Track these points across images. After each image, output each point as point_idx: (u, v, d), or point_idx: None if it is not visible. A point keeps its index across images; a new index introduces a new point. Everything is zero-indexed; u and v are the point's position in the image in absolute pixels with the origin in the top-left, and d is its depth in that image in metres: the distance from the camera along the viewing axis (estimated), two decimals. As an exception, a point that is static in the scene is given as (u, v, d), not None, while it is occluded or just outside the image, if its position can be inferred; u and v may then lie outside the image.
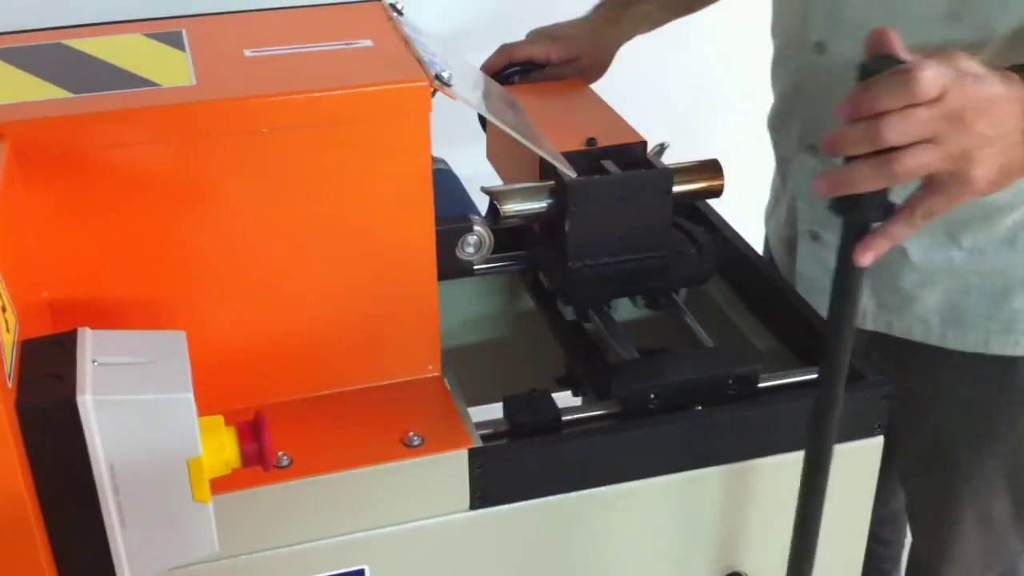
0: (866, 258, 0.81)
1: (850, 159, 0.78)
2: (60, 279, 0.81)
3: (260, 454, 0.71)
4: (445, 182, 1.00)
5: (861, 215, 0.80)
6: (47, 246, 0.80)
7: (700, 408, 0.91)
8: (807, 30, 1.13)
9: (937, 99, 0.77)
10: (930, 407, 1.18)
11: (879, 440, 0.94)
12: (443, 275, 0.92)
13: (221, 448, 0.70)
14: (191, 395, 0.67)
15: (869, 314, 1.18)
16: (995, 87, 0.80)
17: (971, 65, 0.79)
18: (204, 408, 0.74)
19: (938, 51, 0.79)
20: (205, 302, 0.85)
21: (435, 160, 1.02)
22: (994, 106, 0.79)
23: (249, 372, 0.88)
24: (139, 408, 0.66)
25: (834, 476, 0.94)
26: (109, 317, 0.82)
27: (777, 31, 1.23)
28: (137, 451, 0.66)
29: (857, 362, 0.95)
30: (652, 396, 0.90)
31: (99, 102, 0.80)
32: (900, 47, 0.79)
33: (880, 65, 0.78)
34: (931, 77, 0.77)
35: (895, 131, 0.77)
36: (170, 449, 0.67)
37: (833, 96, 0.79)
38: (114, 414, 0.65)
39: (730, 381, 0.92)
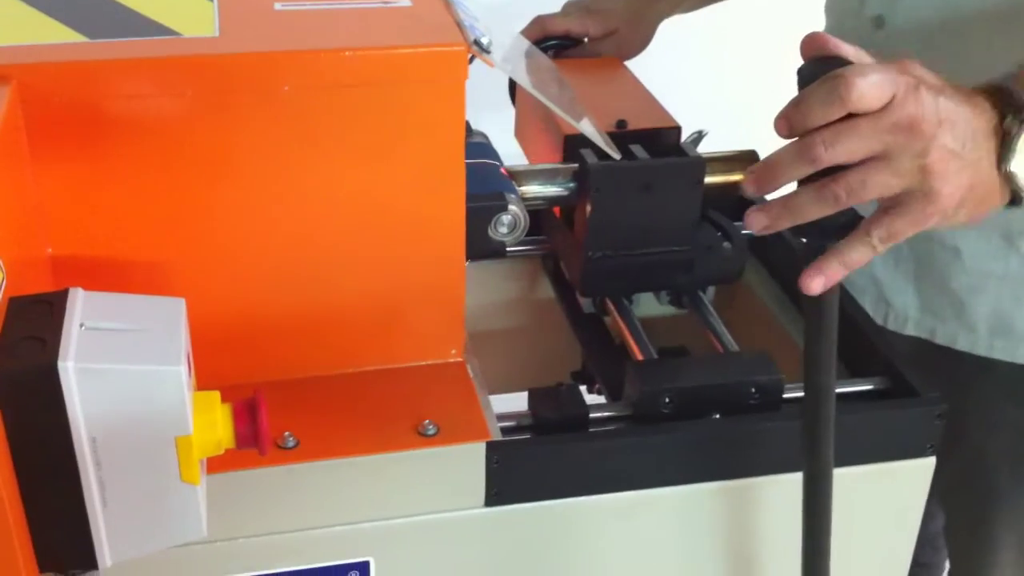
0: (815, 283, 0.72)
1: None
2: (64, 235, 0.76)
3: (255, 436, 0.66)
4: (482, 156, 0.94)
5: (821, 237, 0.72)
6: (51, 199, 0.75)
7: (717, 416, 0.85)
8: (864, 3, 1.05)
9: (882, 109, 0.68)
10: (973, 424, 1.10)
11: (930, 462, 0.88)
12: (473, 255, 0.87)
13: (214, 427, 0.65)
14: (182, 368, 0.61)
15: (911, 318, 1.11)
16: (955, 99, 0.70)
17: (928, 74, 0.70)
18: (208, 382, 0.70)
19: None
20: (216, 268, 0.80)
21: (474, 133, 0.97)
22: (957, 117, 0.70)
23: (260, 346, 0.83)
24: (125, 379, 0.61)
25: (879, 496, 0.88)
26: (114, 278, 0.78)
27: (831, 5, 1.16)
28: (122, 425, 0.61)
29: (911, 375, 0.88)
30: (666, 400, 0.84)
31: (113, 49, 0.75)
32: (847, 50, 0.70)
33: (818, 70, 0.69)
34: (872, 83, 0.67)
35: (830, 149, 0.68)
36: (157, 425, 0.62)
37: None
38: (98, 383, 0.60)
39: (752, 390, 0.85)
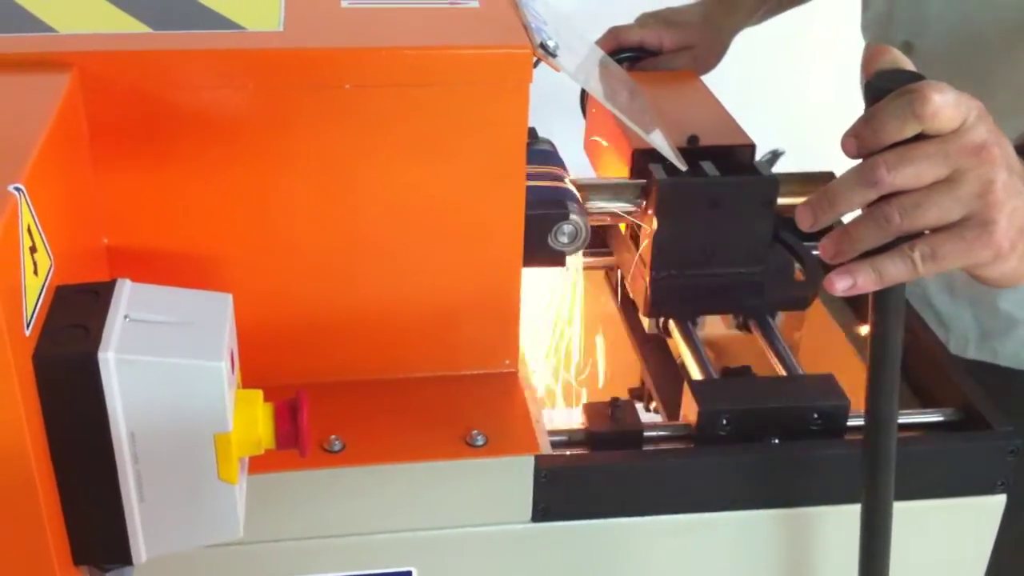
0: (840, 284, 0.68)
1: None
2: (120, 226, 0.76)
3: (296, 437, 0.64)
4: (547, 164, 0.92)
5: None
6: (109, 189, 0.75)
7: (776, 441, 0.82)
8: (893, 28, 1.02)
9: (952, 132, 0.64)
10: None
11: (1000, 500, 0.83)
12: (532, 263, 0.85)
13: (254, 426, 0.64)
14: (223, 364, 0.60)
15: (971, 341, 1.07)
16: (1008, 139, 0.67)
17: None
18: (256, 381, 0.68)
19: None
20: (269, 265, 0.79)
21: (540, 140, 0.95)
22: (1013, 154, 0.66)
23: (310, 347, 0.82)
24: (165, 372, 0.60)
25: (943, 534, 0.84)
26: (168, 270, 0.77)
27: (866, 28, 1.13)
28: (161, 419, 0.60)
29: (984, 407, 0.84)
30: (724, 421, 0.81)
31: (176, 40, 0.75)
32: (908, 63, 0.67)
33: (889, 84, 0.65)
34: (948, 101, 0.64)
35: (893, 171, 0.64)
36: (196, 421, 0.61)
37: None
38: (138, 375, 0.59)
39: (815, 415, 0.82)
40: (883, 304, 0.70)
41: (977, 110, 0.65)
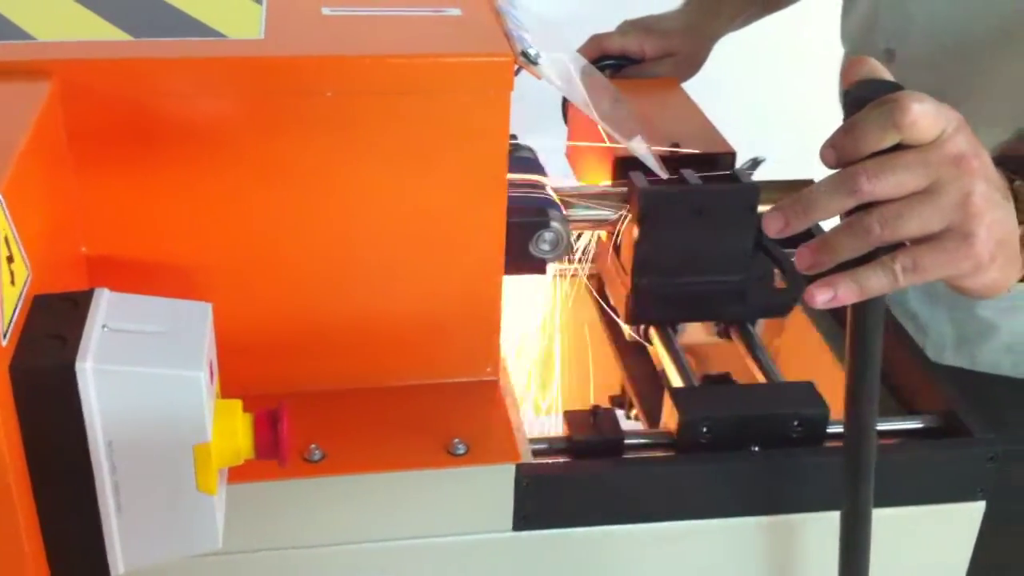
0: (820, 297, 0.67)
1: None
2: (99, 235, 0.76)
3: (275, 448, 0.64)
4: (528, 171, 0.92)
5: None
6: (88, 198, 0.74)
7: (756, 448, 0.82)
8: (875, 35, 1.03)
9: (931, 142, 0.65)
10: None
11: (979, 506, 0.84)
12: (513, 271, 0.85)
13: (234, 436, 0.63)
14: (202, 374, 0.60)
15: (949, 347, 1.08)
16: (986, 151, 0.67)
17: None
18: (236, 390, 0.68)
19: None
20: (250, 274, 0.78)
21: (520, 147, 0.95)
22: (990, 164, 0.67)
23: (291, 356, 0.81)
24: (144, 382, 0.59)
25: (923, 540, 0.84)
26: (148, 280, 0.77)
27: (846, 37, 1.13)
28: (139, 429, 0.60)
29: (964, 413, 0.85)
30: (704, 429, 0.81)
31: (157, 48, 0.74)
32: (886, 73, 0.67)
33: (867, 93, 0.65)
34: (927, 111, 0.64)
35: (873, 180, 0.64)
36: (175, 431, 0.61)
37: None
38: (116, 385, 0.59)
39: (795, 422, 0.82)
40: (863, 315, 0.70)
41: (956, 121, 0.66)
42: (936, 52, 1.00)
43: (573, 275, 1.08)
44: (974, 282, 0.69)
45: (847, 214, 0.67)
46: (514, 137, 0.96)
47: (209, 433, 0.61)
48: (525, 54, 0.75)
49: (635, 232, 0.88)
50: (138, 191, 0.75)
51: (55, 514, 0.61)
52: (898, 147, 0.65)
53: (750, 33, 1.27)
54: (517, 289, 1.00)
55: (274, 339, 0.81)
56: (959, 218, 0.65)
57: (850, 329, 0.71)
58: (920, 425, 0.87)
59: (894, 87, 0.66)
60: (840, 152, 0.66)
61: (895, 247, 0.67)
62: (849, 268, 0.68)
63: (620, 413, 1.03)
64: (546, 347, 1.04)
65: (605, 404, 1.06)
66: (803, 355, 1.05)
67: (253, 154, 0.75)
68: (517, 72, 0.76)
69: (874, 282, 0.67)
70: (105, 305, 0.63)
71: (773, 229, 0.68)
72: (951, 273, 0.67)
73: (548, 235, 0.86)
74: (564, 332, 1.06)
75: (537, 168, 0.94)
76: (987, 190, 0.65)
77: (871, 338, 0.70)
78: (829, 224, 0.72)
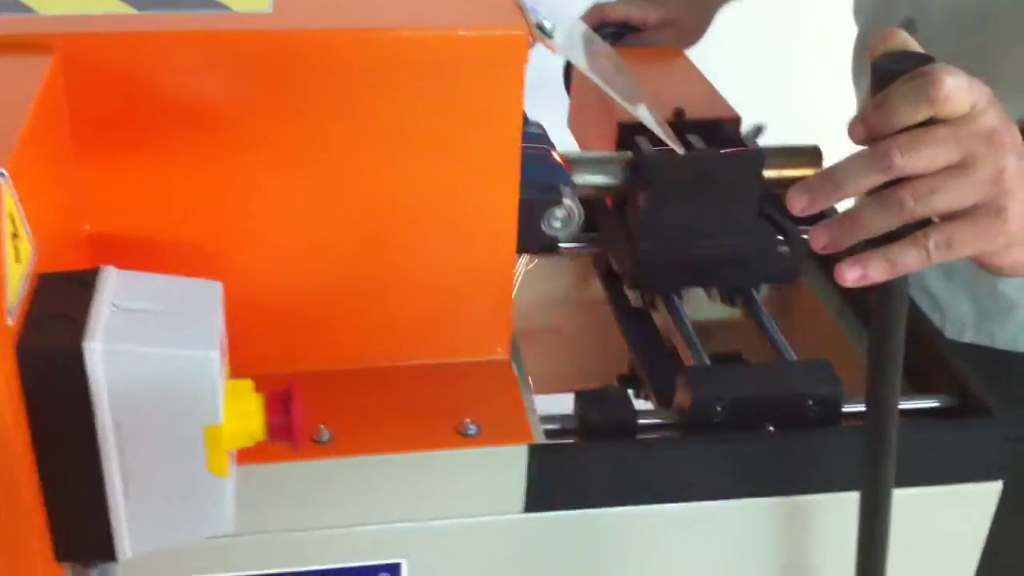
0: (850, 275, 0.66)
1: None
2: (104, 212, 0.74)
3: (288, 429, 0.63)
4: (538, 147, 0.90)
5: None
6: (91, 175, 0.72)
7: (771, 428, 0.81)
8: (894, 5, 1.01)
9: (962, 116, 0.63)
10: None
11: (996, 486, 0.83)
12: (524, 248, 0.83)
13: (246, 417, 0.62)
14: (216, 354, 0.59)
15: (968, 325, 1.07)
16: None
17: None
18: (244, 369, 0.67)
19: None
20: (258, 252, 0.77)
21: (529, 123, 0.93)
22: (1020, 141, 0.65)
23: (300, 335, 0.80)
24: (154, 363, 0.58)
25: (940, 520, 0.83)
26: (153, 258, 0.75)
27: (860, 10, 1.12)
28: (149, 411, 0.59)
29: (985, 392, 0.84)
30: (719, 409, 0.80)
31: (161, 21, 0.72)
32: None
33: (896, 65, 0.64)
34: (959, 84, 0.62)
35: (907, 155, 0.62)
36: (186, 413, 0.59)
37: None
38: (125, 366, 0.57)
39: (810, 402, 0.81)
40: (888, 294, 0.69)
41: (987, 95, 0.64)
42: (957, 22, 0.99)
43: (578, 253, 1.07)
44: (1005, 258, 0.67)
45: (872, 191, 0.65)
46: (524, 114, 0.95)
47: (221, 415, 0.60)
48: (540, 27, 0.74)
49: (640, 198, 0.87)
50: (142, 169, 0.73)
51: (62, 497, 0.60)
52: (929, 122, 0.64)
53: (754, 3, 1.26)
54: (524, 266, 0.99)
55: (282, 318, 0.79)
56: (992, 193, 0.64)
57: (874, 311, 0.70)
58: (936, 404, 0.86)
59: (924, 59, 0.64)
60: (871, 127, 0.64)
61: (922, 224, 0.65)
62: (865, 248, 0.67)
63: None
64: (557, 325, 1.03)
65: (612, 383, 1.04)
66: (812, 332, 1.04)
67: (260, 131, 0.73)
68: (531, 46, 0.74)
69: (908, 259, 0.65)
70: (113, 283, 0.61)
71: (797, 207, 0.67)
72: (984, 249, 0.66)
73: (559, 212, 0.84)
74: (570, 310, 1.05)
75: (547, 144, 0.92)
76: (1019, 165, 0.64)
77: (895, 319, 0.69)
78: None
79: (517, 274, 0.94)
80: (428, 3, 0.77)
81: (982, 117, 0.63)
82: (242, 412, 0.62)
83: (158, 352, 0.58)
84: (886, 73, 0.64)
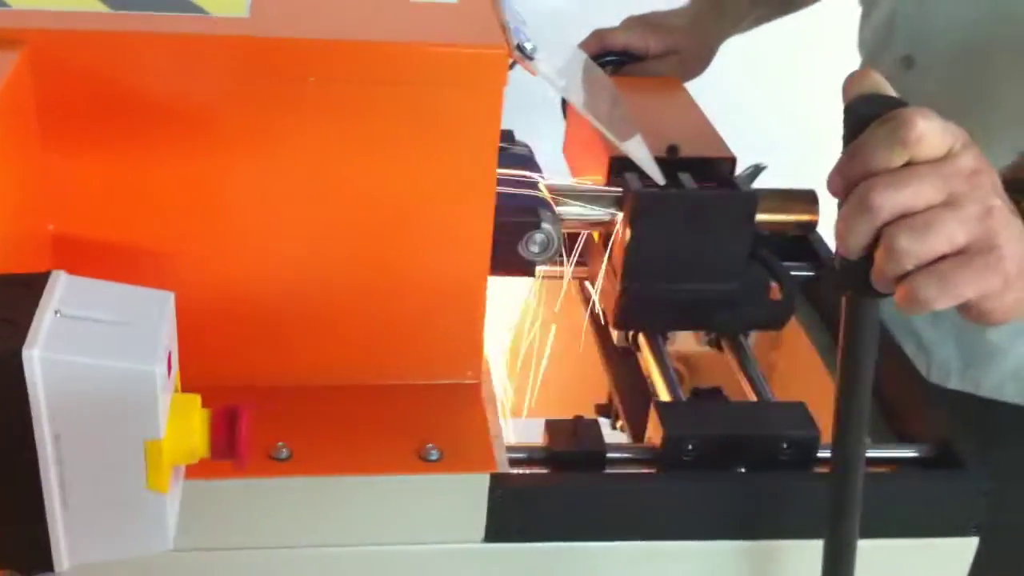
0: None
1: None
2: (68, 213, 0.73)
3: (231, 448, 0.61)
4: (523, 168, 0.88)
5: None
6: (57, 174, 0.71)
7: (743, 470, 0.79)
8: (894, 40, 0.99)
9: (943, 157, 0.62)
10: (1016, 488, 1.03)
11: (972, 542, 0.80)
12: (501, 271, 0.82)
13: (189, 434, 0.60)
14: (157, 368, 0.57)
15: (953, 371, 1.05)
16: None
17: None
18: (205, 380, 0.65)
19: None
20: (223, 261, 0.75)
21: (518, 143, 0.92)
22: (999, 182, 0.64)
23: (264, 348, 0.79)
24: (94, 374, 0.56)
25: (913, 574, 0.81)
26: (116, 262, 0.74)
27: (863, 44, 1.10)
28: (88, 423, 0.57)
29: (956, 443, 0.81)
30: (690, 447, 0.78)
31: (135, 21, 0.71)
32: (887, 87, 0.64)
33: (869, 109, 0.62)
34: (933, 127, 0.61)
35: (889, 190, 0.60)
36: (126, 426, 0.57)
37: None
38: (64, 376, 0.55)
39: (785, 445, 0.79)
40: (854, 336, 0.67)
41: (963, 138, 0.62)
42: (956, 60, 0.97)
43: (562, 277, 1.05)
44: (1000, 303, 0.64)
45: None
46: (511, 134, 0.93)
47: (162, 430, 0.58)
48: (521, 48, 0.72)
49: (627, 234, 0.85)
50: (109, 169, 0.72)
51: (-4, 507, 0.58)
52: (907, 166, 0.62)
53: (760, 36, 1.24)
54: (505, 289, 0.98)
55: (249, 330, 0.78)
56: (981, 232, 0.62)
57: (842, 348, 0.68)
58: (914, 454, 0.83)
59: (896, 102, 0.63)
60: (847, 178, 0.62)
61: None
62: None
63: (606, 423, 1.00)
64: (531, 350, 1.00)
65: (591, 413, 1.02)
66: (799, 371, 1.02)
67: (231, 137, 0.72)
68: (512, 66, 0.73)
69: (906, 305, 0.63)
70: (61, 289, 0.59)
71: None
72: (981, 290, 0.63)
73: (538, 236, 0.83)
74: (553, 336, 1.03)
75: (532, 166, 0.90)
76: (1002, 207, 0.62)
77: (862, 363, 0.67)
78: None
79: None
80: (409, 16, 0.76)
81: (960, 159, 0.62)
82: (185, 428, 0.60)
83: (98, 363, 0.56)
84: (857, 116, 0.63)
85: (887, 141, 0.61)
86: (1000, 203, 0.63)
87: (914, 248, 0.61)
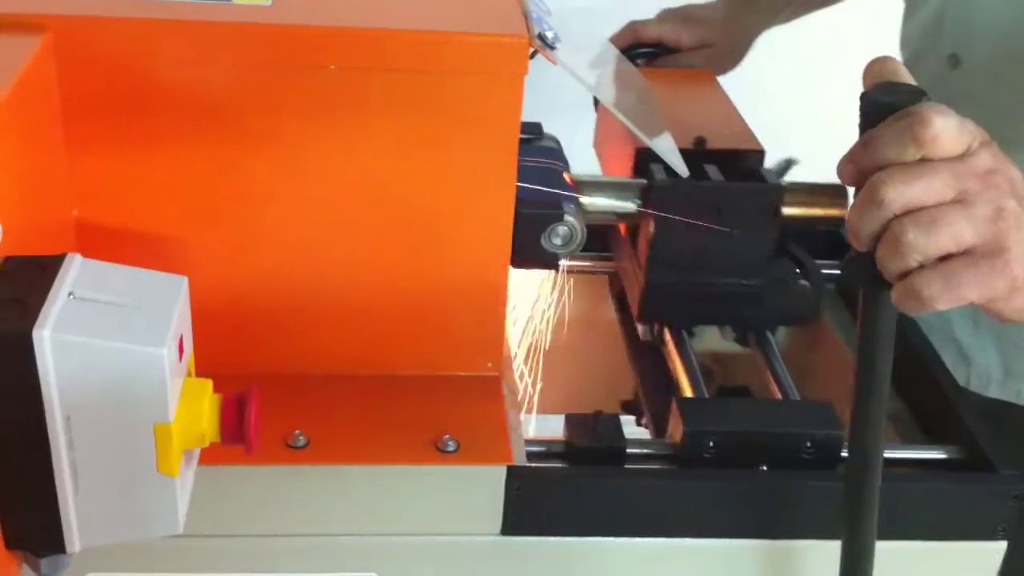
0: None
1: None
2: (91, 198, 0.73)
3: (240, 433, 0.61)
4: (548, 162, 0.88)
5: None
6: (80, 161, 0.72)
7: (764, 468, 0.77)
8: (941, 39, 0.97)
9: (960, 156, 0.60)
10: None
11: (1000, 546, 0.79)
12: (523, 263, 0.81)
13: (199, 418, 0.60)
14: (166, 351, 0.57)
15: (994, 379, 1.02)
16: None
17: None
18: (225, 367, 0.65)
19: None
20: (244, 248, 0.76)
21: (545, 136, 0.91)
22: (1020, 185, 0.62)
23: (284, 336, 0.79)
24: (104, 356, 0.56)
25: (936, 578, 0.79)
26: (139, 247, 0.74)
27: (906, 43, 1.08)
28: (98, 405, 0.57)
29: (990, 447, 0.79)
30: (710, 443, 0.77)
31: (159, 8, 0.71)
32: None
33: (883, 99, 0.61)
34: (950, 125, 0.59)
35: (899, 186, 0.59)
36: (136, 409, 0.58)
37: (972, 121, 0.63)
38: (75, 357, 0.56)
39: (807, 443, 0.77)
40: (871, 338, 0.65)
41: (981, 137, 0.61)
42: (1000, 60, 0.96)
43: (594, 272, 1.04)
44: (1006, 305, 0.63)
45: None
46: (538, 126, 0.93)
47: (171, 414, 0.58)
48: (542, 37, 0.71)
49: (651, 227, 0.84)
50: (132, 156, 0.72)
51: (8, 488, 0.59)
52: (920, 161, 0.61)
53: (802, 30, 1.22)
54: (531, 281, 0.97)
55: (268, 317, 0.78)
56: (991, 233, 0.60)
57: (859, 348, 0.66)
58: (942, 456, 0.82)
59: (916, 92, 0.61)
60: (859, 167, 0.61)
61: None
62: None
63: (630, 419, 0.99)
64: (557, 345, 1.00)
65: (616, 410, 1.01)
66: (833, 372, 1.00)
67: (252, 125, 0.72)
68: (533, 56, 0.72)
69: (905, 303, 0.62)
70: (75, 271, 0.60)
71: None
72: (987, 294, 0.62)
73: (561, 229, 0.82)
74: (580, 330, 1.02)
75: (559, 159, 0.90)
76: (1017, 208, 0.61)
77: (879, 357, 0.66)
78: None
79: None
80: (431, 4, 0.75)
81: (976, 158, 0.60)
82: (195, 413, 0.60)
83: (107, 345, 0.56)
84: (872, 103, 0.61)
85: (902, 136, 0.59)
86: (1014, 205, 0.61)
87: (919, 243, 0.60)
